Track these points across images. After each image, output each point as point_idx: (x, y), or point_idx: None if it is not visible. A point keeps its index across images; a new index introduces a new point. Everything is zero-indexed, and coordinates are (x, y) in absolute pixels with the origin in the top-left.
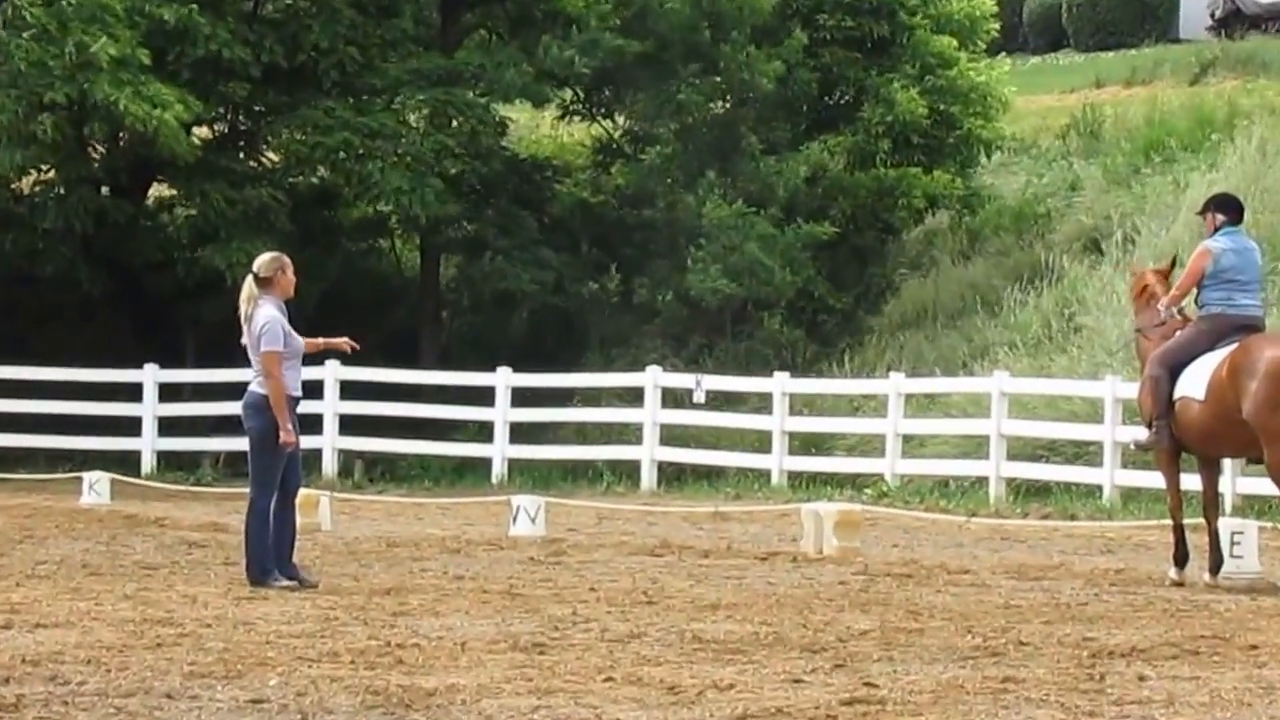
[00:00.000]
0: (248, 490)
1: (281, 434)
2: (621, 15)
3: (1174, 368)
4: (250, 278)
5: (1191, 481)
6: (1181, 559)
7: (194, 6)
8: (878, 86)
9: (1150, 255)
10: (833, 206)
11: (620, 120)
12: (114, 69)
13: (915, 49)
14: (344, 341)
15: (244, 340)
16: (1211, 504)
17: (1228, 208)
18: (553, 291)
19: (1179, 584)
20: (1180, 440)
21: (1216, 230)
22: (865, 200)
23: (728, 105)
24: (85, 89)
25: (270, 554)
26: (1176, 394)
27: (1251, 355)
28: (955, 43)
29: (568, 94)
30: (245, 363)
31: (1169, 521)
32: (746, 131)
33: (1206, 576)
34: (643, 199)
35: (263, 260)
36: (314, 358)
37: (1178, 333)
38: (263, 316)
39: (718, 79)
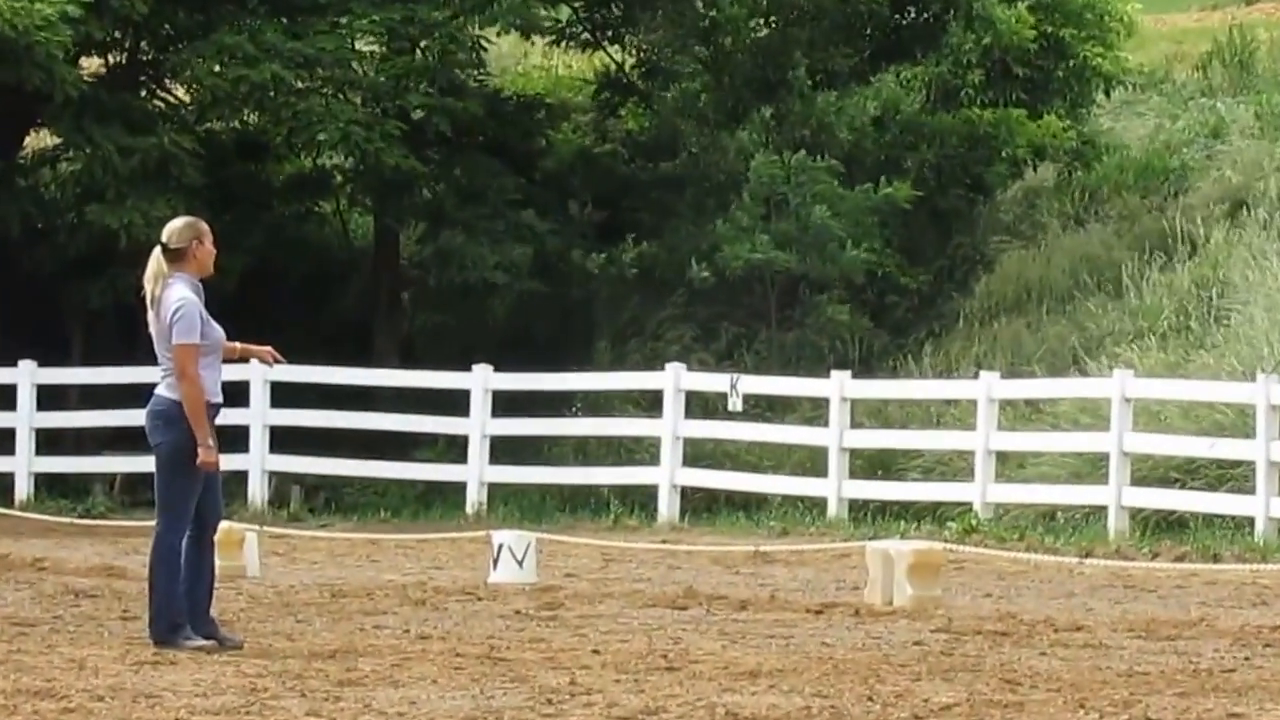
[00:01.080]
0: (154, 524)
1: (200, 451)
2: None
3: None
4: (157, 250)
5: None
6: None
7: None
8: (969, 1)
9: None
10: (907, 158)
11: (632, 47)
12: None
13: None
14: (266, 351)
15: (150, 329)
16: None
17: None
18: (535, 275)
19: None
20: None
21: None
22: (953, 150)
23: (774, 26)
24: None
25: (182, 605)
26: None
27: None
28: None
29: (564, 12)
30: (150, 360)
31: None
32: (798, 59)
33: None
34: (661, 148)
35: (173, 227)
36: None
37: None
38: (174, 299)
39: None
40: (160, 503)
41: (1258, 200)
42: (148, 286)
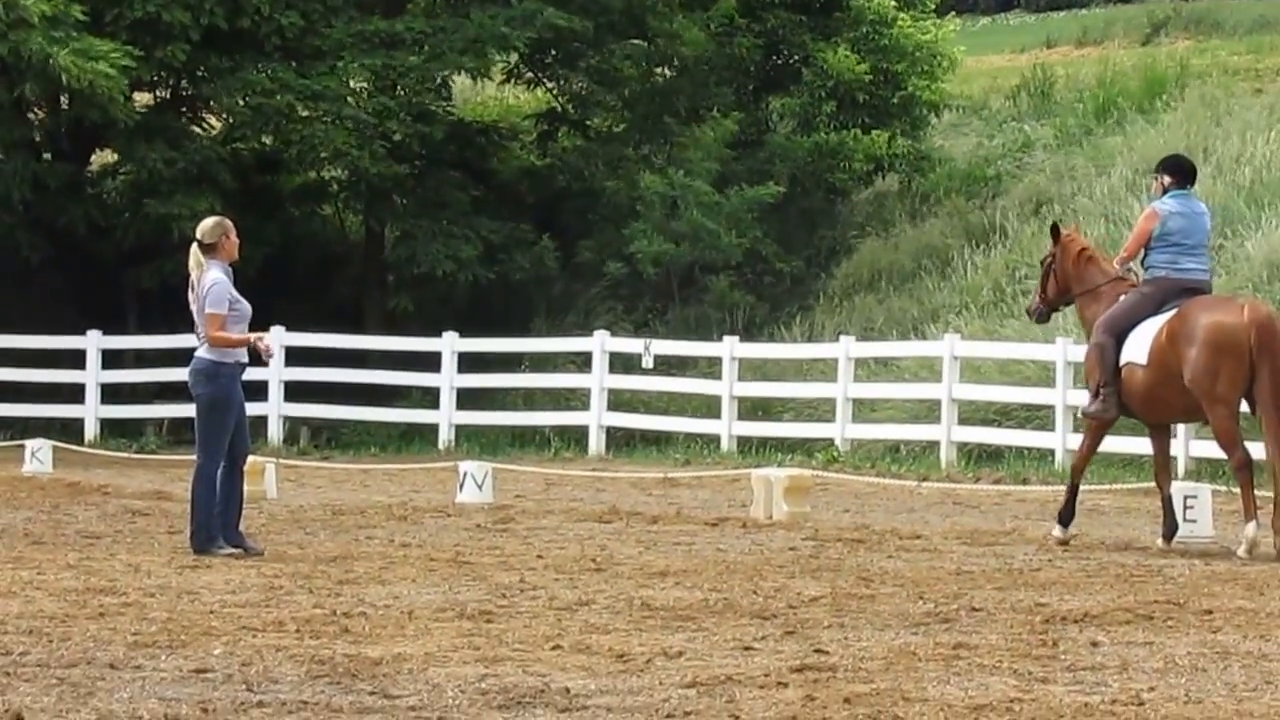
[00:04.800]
0: (194, 457)
1: (253, 342)
2: None
3: (1119, 334)
4: (195, 244)
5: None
6: (1067, 518)
7: None
8: (818, 49)
9: (1099, 216)
10: (774, 170)
11: (565, 87)
12: (47, 26)
13: (857, 11)
14: (265, 346)
15: (191, 306)
16: (1163, 470)
17: (1177, 170)
18: (486, 264)
19: (1063, 543)
20: (1126, 406)
21: (1165, 192)
22: (807, 164)
23: (668, 73)
24: (18, 46)
25: (216, 522)
26: (1122, 360)
27: (1189, 321)
28: (896, 2)
29: (513, 56)
30: (189, 328)
31: (1121, 486)
32: (680, 100)
33: (1160, 542)
34: (587, 166)
35: (206, 226)
36: (261, 323)
37: (1121, 297)
38: (209, 280)
39: (652, 47)
40: (200, 441)
41: (1057, 200)
42: (193, 273)
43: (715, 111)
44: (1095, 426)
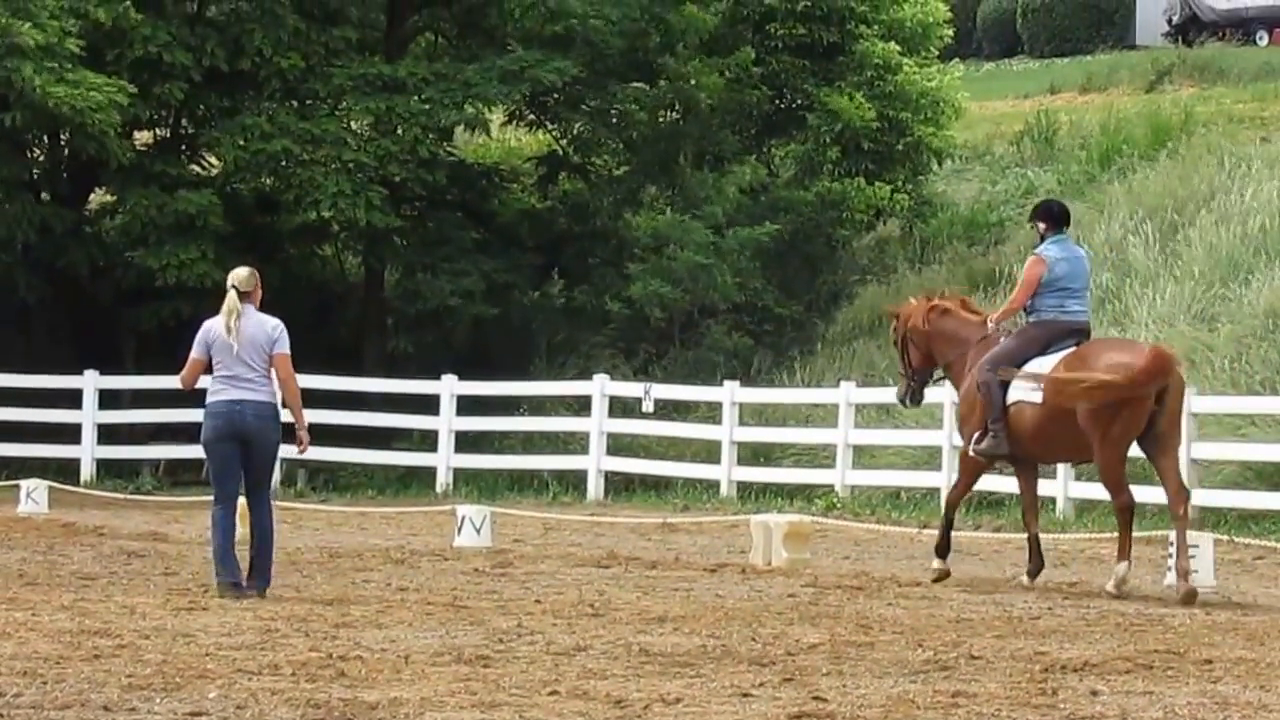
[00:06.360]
0: (212, 499)
1: (302, 436)
2: (564, 27)
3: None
4: (232, 292)
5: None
6: (944, 551)
7: (128, 4)
8: (823, 94)
9: (1102, 263)
10: (775, 218)
11: (567, 131)
12: (40, 56)
13: (862, 56)
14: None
15: (233, 349)
16: (1031, 509)
17: (1049, 216)
18: (489, 303)
19: (940, 577)
20: (1014, 444)
21: (1043, 239)
22: (809, 213)
23: (674, 117)
24: (9, 75)
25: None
26: (1011, 398)
27: (1089, 362)
28: (900, 48)
29: (516, 96)
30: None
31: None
32: (688, 145)
33: (1024, 579)
34: (588, 208)
35: (242, 275)
36: None
37: (1002, 340)
38: (269, 320)
39: (661, 91)
40: (267, 484)
41: None
42: (227, 319)
43: (724, 158)
44: (976, 465)
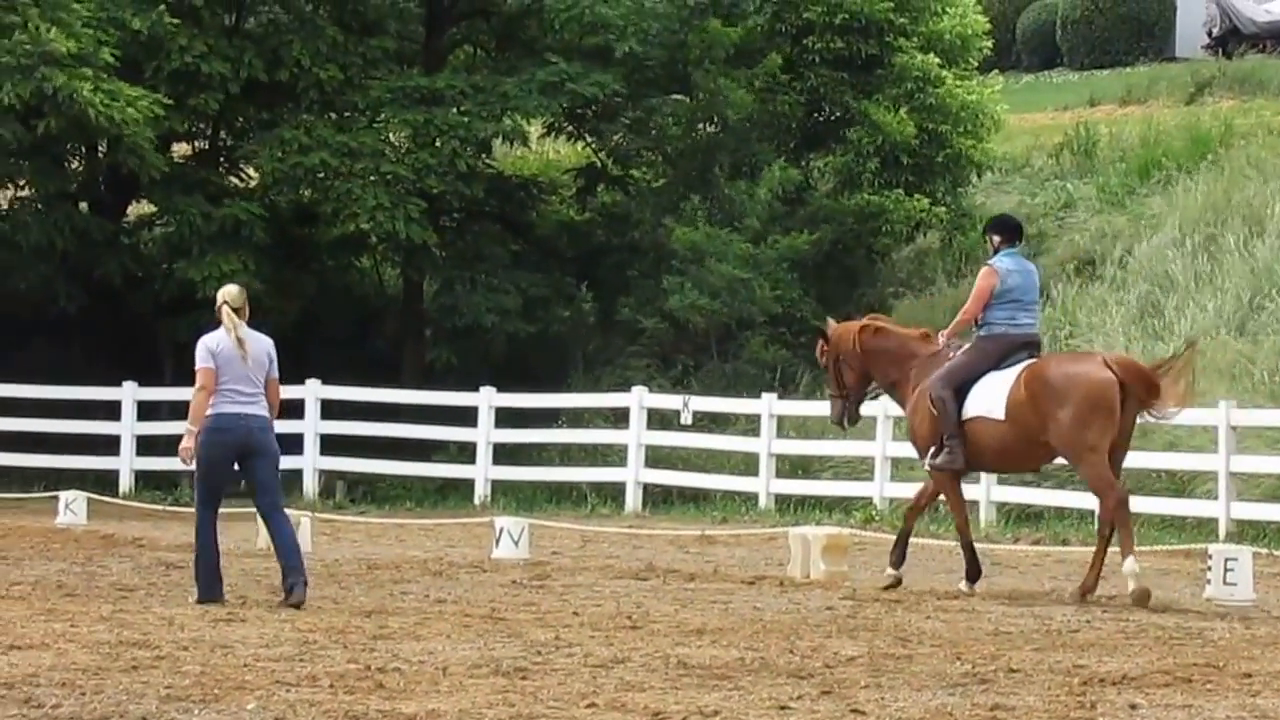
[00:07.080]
0: (197, 503)
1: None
2: (601, 40)
3: (959, 388)
4: (226, 308)
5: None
6: (975, 574)
7: (163, 9)
8: (864, 107)
9: (1142, 276)
10: (814, 229)
11: (605, 143)
12: (74, 64)
13: (901, 68)
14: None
15: (243, 364)
16: (917, 509)
17: (1004, 229)
18: (526, 318)
19: (970, 595)
20: (972, 458)
21: (996, 252)
22: (850, 225)
23: (710, 129)
24: (42, 84)
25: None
26: (967, 413)
27: (1049, 377)
28: (940, 61)
29: (555, 108)
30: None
31: (1160, 547)
32: (724, 156)
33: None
34: (628, 220)
35: (233, 292)
36: (297, 376)
37: (954, 355)
38: (265, 338)
39: (695, 104)
40: (278, 492)
41: (1100, 260)
42: (235, 332)
43: (759, 169)
44: (946, 480)
